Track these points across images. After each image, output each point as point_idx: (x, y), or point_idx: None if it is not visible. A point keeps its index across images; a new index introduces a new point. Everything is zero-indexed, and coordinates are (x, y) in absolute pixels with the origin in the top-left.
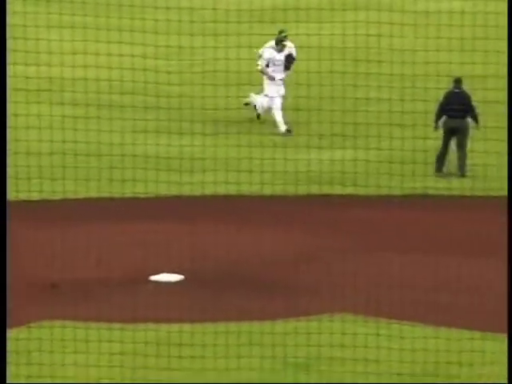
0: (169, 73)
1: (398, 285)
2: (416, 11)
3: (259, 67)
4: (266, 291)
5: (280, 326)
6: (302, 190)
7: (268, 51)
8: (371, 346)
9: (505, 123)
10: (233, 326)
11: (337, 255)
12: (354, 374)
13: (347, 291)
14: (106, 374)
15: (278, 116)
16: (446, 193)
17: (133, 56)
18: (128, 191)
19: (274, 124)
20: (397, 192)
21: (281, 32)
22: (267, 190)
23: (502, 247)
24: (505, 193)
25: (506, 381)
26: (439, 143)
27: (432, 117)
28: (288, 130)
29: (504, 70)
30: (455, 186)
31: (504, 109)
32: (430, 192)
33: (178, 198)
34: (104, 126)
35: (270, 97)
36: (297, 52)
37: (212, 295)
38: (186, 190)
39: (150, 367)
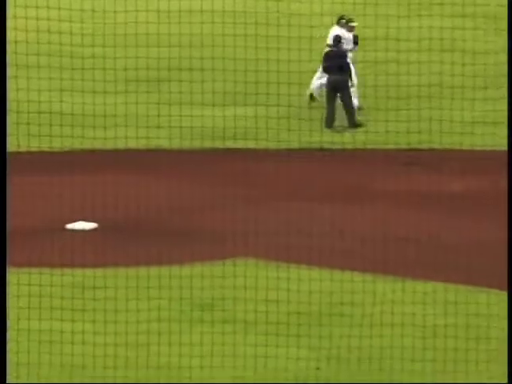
0: (82, 35)
1: (296, 231)
2: None
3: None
4: (174, 237)
5: (187, 269)
6: (208, 144)
7: (339, 31)
8: (272, 288)
9: (389, 82)
10: (143, 270)
11: (240, 204)
12: (255, 313)
13: (250, 237)
14: (24, 315)
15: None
16: (339, 147)
17: (48, 19)
18: (45, 146)
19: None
20: (295, 146)
21: (342, 17)
22: (175, 145)
23: (386, 195)
24: (392, 146)
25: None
26: None
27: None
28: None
29: (392, 32)
30: (348, 140)
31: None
32: (325, 146)
33: (91, 152)
34: (22, 84)
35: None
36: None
37: (123, 241)
38: (99, 145)
39: (66, 308)
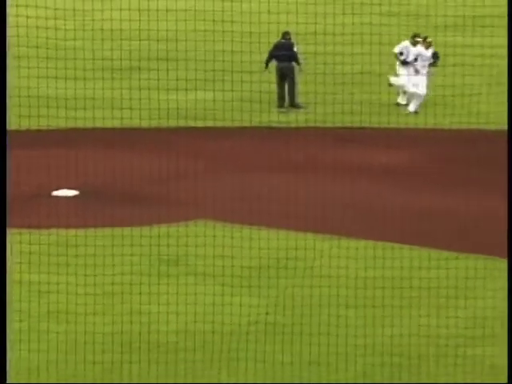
0: (66, 30)
1: (248, 198)
2: None
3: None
4: (144, 203)
5: (155, 230)
6: (173, 123)
7: (416, 48)
8: (227, 246)
9: (327, 70)
10: (117, 230)
11: (200, 175)
12: (213, 267)
13: (208, 203)
14: (16, 268)
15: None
16: (285, 125)
17: (37, 17)
18: (34, 124)
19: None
20: (247, 125)
21: (416, 35)
22: (145, 124)
23: (325, 166)
24: (329, 125)
25: None
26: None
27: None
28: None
29: (329, 28)
30: (292, 120)
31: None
32: (273, 124)
33: (74, 130)
34: (13, 73)
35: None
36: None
37: (101, 206)
38: (80, 124)
39: (52, 263)
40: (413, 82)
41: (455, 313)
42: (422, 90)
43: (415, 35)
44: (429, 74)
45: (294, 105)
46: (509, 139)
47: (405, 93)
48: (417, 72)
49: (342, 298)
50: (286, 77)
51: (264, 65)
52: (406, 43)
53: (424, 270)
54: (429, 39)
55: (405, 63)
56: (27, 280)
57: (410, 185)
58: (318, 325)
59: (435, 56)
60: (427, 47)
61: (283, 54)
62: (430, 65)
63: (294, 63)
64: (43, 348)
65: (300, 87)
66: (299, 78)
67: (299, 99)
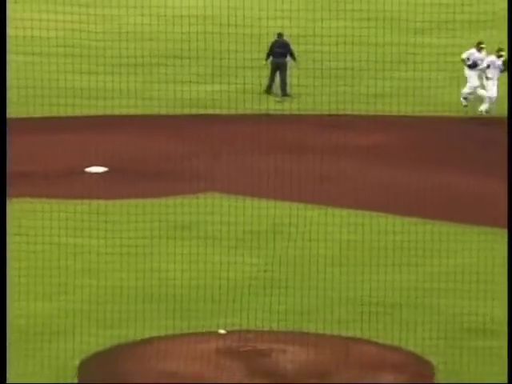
0: (96, 33)
1: (250, 173)
2: None
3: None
4: (162, 178)
5: (170, 200)
6: (186, 111)
7: (489, 57)
8: (231, 214)
9: (316, 66)
10: (139, 201)
11: (208, 155)
12: (220, 232)
13: (216, 178)
14: (56, 232)
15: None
16: (280, 113)
17: (72, 22)
18: (62, 112)
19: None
20: (249, 112)
21: (480, 42)
22: (162, 111)
23: (315, 147)
24: (318, 112)
25: None
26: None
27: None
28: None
29: (318, 31)
30: (286, 108)
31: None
32: (271, 112)
33: (98, 117)
34: (45, 67)
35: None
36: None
37: (126, 181)
38: (108, 111)
39: (85, 228)
40: (485, 87)
41: (423, 269)
42: (492, 93)
43: (479, 42)
44: (498, 79)
45: (285, 94)
46: (509, 135)
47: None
48: (487, 78)
49: (328, 258)
50: (279, 70)
51: (264, 60)
52: (473, 50)
53: (398, 234)
54: (502, 52)
55: (471, 67)
56: (65, 242)
57: (386, 161)
58: (308, 280)
59: (504, 64)
60: (498, 56)
61: (279, 51)
62: (501, 71)
63: (287, 59)
64: (78, 299)
65: (293, 80)
66: (294, 72)
67: (292, 90)
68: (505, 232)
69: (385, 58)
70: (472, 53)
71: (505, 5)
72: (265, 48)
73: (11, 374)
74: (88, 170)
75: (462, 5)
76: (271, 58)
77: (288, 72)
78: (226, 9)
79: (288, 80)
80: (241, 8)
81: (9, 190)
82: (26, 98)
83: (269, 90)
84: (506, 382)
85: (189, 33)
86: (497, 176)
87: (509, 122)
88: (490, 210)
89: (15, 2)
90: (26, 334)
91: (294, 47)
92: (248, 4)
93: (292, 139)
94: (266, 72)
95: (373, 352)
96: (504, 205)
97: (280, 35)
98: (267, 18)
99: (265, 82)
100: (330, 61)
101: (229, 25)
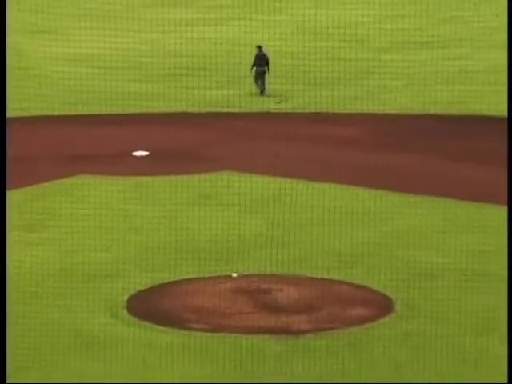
0: (141, 50)
1: (255, 156)
2: None
3: None
4: (190, 160)
5: (196, 177)
6: (207, 109)
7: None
8: (242, 187)
9: (306, 75)
10: (173, 177)
11: (224, 142)
12: (233, 200)
13: (231, 160)
14: (109, 200)
15: None
16: (278, 111)
17: (124, 43)
18: (119, 110)
19: None
20: (254, 110)
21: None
22: (189, 109)
23: (304, 138)
24: (308, 111)
25: None
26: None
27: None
28: None
29: (306, 49)
30: (282, 107)
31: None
32: (271, 110)
33: (142, 114)
34: (105, 77)
35: None
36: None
37: (163, 162)
38: (144, 110)
39: (132, 198)
40: None
41: (384, 229)
42: None
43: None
44: None
45: (261, 93)
46: (509, 133)
47: None
48: None
49: (314, 220)
50: (260, 76)
51: (249, 71)
52: None
53: (366, 202)
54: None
55: None
56: (117, 207)
57: (358, 147)
58: (299, 236)
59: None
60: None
61: (259, 62)
62: None
63: (266, 67)
64: (127, 250)
65: (288, 86)
66: (288, 80)
67: (286, 94)
68: (442, 200)
69: (357, 69)
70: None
71: (451, 28)
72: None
73: (75, 309)
74: (134, 153)
75: (415, 29)
76: (255, 68)
77: (266, 77)
78: (238, 33)
79: (268, 84)
80: (249, 32)
81: (74, 168)
82: (93, 100)
83: (261, 91)
84: (506, 382)
85: (209, 51)
86: (442, 157)
87: (509, 121)
88: (436, 183)
89: (85, 29)
90: (87, 276)
91: (289, 61)
92: (254, 29)
93: (287, 131)
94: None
95: (347, 290)
96: (446, 179)
97: (259, 48)
98: (268, 39)
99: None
100: (315, 72)
101: (239, 44)
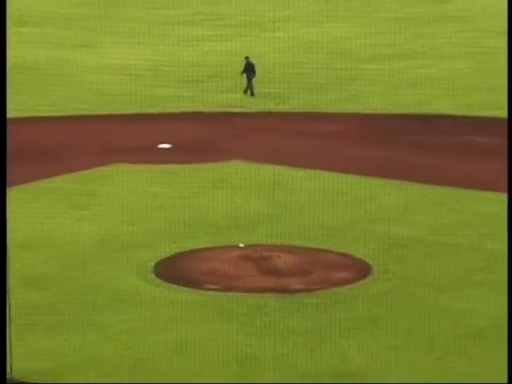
0: (163, 60)
1: (258, 147)
2: None
3: None
4: (206, 151)
5: (210, 165)
6: (220, 108)
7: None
8: (249, 173)
9: (301, 82)
10: (192, 165)
11: (234, 136)
12: (241, 184)
13: (239, 151)
14: (138, 184)
15: None
16: (276, 110)
17: (147, 54)
18: (147, 110)
19: None
20: (258, 110)
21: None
22: (205, 109)
23: (299, 132)
24: (300, 110)
25: None
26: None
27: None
28: None
29: (300, 61)
30: (280, 107)
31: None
32: (272, 110)
33: (164, 114)
34: (132, 82)
35: None
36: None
37: (183, 153)
38: (167, 110)
39: (157, 182)
40: None
41: (363, 207)
42: None
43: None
44: None
45: (252, 94)
46: (509, 133)
47: None
48: None
49: (306, 199)
50: (249, 81)
51: (240, 75)
52: None
53: (347, 185)
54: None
55: None
56: (145, 190)
57: (343, 140)
58: (294, 213)
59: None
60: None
61: (248, 70)
62: None
63: (253, 73)
64: (154, 225)
65: (284, 91)
66: (285, 85)
67: (283, 97)
68: (413, 184)
69: (342, 77)
70: None
71: (419, 42)
72: (266, 71)
73: (112, 273)
74: (159, 146)
75: (389, 44)
76: (245, 74)
77: (253, 81)
78: (244, 47)
79: (256, 87)
80: (253, 46)
81: (110, 158)
82: (126, 103)
83: (252, 92)
84: (506, 382)
85: (220, 61)
86: (411, 148)
87: (509, 121)
88: (406, 170)
89: (118, 43)
90: (122, 246)
91: (282, 70)
92: (257, 44)
93: (285, 127)
94: (268, 85)
95: (332, 258)
96: (415, 166)
97: (247, 58)
98: (269, 52)
99: (263, 90)
100: (308, 78)
101: (238, 55)
